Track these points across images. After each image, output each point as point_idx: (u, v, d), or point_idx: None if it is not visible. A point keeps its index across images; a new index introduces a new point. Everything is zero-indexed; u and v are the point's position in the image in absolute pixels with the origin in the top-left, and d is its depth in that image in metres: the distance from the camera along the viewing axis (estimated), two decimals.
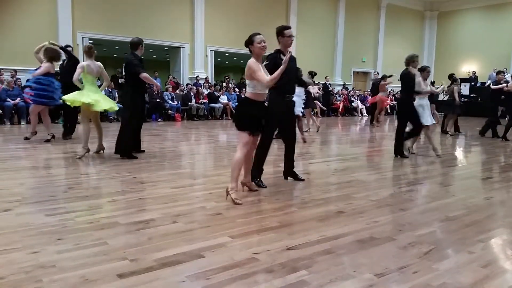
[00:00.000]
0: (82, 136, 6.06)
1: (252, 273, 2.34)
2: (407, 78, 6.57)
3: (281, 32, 4.41)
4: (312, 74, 10.19)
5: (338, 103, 17.80)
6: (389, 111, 18.16)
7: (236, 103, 3.76)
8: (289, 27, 4.47)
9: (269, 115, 4.14)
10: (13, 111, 10.65)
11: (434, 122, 7.25)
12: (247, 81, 3.90)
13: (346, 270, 2.43)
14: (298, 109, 8.59)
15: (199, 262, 2.48)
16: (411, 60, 6.60)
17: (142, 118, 6.48)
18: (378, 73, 16.88)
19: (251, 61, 3.86)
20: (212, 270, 2.36)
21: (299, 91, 8.57)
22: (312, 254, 2.63)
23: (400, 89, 6.87)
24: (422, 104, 6.92)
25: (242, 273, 2.34)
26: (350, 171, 5.55)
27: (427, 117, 6.90)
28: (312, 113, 10.59)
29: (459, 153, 8.10)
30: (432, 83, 15.40)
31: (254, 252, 2.64)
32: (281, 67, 3.75)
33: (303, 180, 4.79)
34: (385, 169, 5.94)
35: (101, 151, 6.27)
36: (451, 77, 11.25)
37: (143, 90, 6.40)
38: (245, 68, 3.90)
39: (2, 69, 11.25)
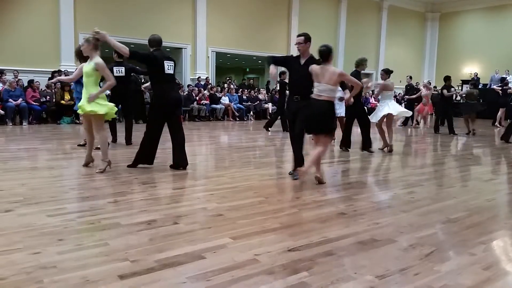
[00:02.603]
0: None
1: (253, 275, 2.34)
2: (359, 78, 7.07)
3: None
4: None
5: None
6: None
7: (329, 109, 4.38)
8: (298, 35, 4.95)
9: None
10: (15, 112, 10.67)
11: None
12: (332, 86, 4.50)
13: (347, 271, 2.43)
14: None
15: (200, 263, 2.48)
16: (360, 63, 7.28)
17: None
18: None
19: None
20: (213, 271, 2.36)
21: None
22: (313, 256, 2.63)
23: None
24: (382, 103, 7.58)
25: (243, 274, 2.34)
26: (351, 172, 5.54)
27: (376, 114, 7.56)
28: None
29: (460, 154, 8.08)
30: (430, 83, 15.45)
31: (255, 253, 2.64)
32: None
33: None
34: (386, 170, 5.93)
35: (90, 164, 5.36)
36: (448, 79, 11.42)
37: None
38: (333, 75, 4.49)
39: (4, 69, 11.27)
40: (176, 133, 5.35)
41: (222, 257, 2.57)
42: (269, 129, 10.63)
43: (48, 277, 2.24)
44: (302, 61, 4.89)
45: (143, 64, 5.57)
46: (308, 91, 4.77)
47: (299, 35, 4.94)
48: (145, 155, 5.33)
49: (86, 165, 5.33)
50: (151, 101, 5.25)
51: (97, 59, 4.98)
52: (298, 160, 4.91)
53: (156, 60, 5.11)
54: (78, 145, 6.99)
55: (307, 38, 4.85)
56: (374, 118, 7.54)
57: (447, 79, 11.24)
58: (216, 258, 2.55)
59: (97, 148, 5.46)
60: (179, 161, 5.36)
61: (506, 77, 17.11)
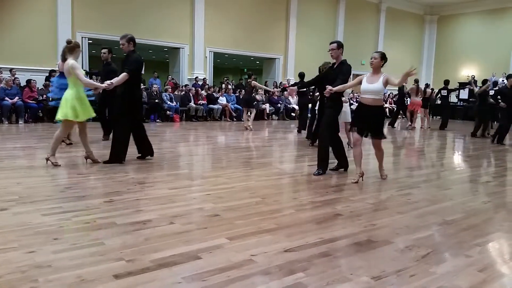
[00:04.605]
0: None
1: (249, 275, 2.34)
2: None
3: None
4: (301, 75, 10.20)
5: None
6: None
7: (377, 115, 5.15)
8: (331, 43, 5.36)
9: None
10: (11, 110, 10.62)
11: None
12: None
13: (343, 273, 2.43)
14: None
15: (196, 264, 2.47)
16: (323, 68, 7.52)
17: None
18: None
19: None
20: (209, 272, 2.36)
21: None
22: (309, 257, 2.63)
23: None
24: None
25: (239, 274, 2.34)
26: (347, 173, 5.55)
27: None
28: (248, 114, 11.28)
29: (457, 156, 8.10)
30: (427, 85, 15.45)
31: (252, 254, 2.64)
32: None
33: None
34: None
35: (91, 156, 5.52)
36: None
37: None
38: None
39: (1, 68, 11.22)
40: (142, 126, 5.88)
41: (218, 258, 2.56)
42: (302, 131, 10.68)
43: (43, 276, 2.23)
44: (334, 66, 5.38)
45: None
46: (338, 94, 5.22)
47: (332, 43, 5.36)
48: (145, 148, 5.84)
49: (87, 158, 5.55)
50: (130, 99, 5.51)
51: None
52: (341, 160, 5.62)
53: (142, 63, 5.62)
54: (66, 145, 6.95)
55: (339, 45, 5.31)
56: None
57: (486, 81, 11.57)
58: (212, 259, 2.55)
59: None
60: (149, 151, 5.93)
61: (502, 80, 17.14)
